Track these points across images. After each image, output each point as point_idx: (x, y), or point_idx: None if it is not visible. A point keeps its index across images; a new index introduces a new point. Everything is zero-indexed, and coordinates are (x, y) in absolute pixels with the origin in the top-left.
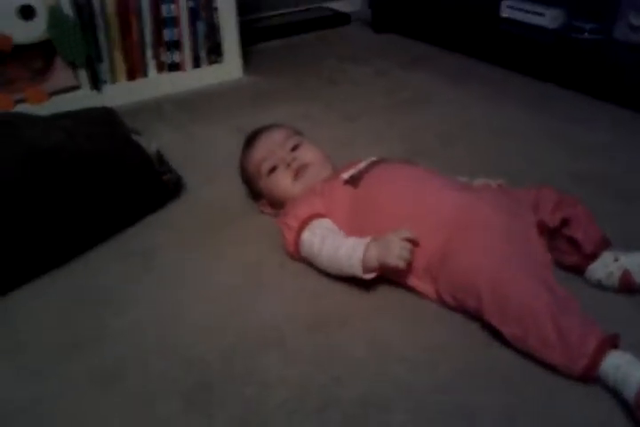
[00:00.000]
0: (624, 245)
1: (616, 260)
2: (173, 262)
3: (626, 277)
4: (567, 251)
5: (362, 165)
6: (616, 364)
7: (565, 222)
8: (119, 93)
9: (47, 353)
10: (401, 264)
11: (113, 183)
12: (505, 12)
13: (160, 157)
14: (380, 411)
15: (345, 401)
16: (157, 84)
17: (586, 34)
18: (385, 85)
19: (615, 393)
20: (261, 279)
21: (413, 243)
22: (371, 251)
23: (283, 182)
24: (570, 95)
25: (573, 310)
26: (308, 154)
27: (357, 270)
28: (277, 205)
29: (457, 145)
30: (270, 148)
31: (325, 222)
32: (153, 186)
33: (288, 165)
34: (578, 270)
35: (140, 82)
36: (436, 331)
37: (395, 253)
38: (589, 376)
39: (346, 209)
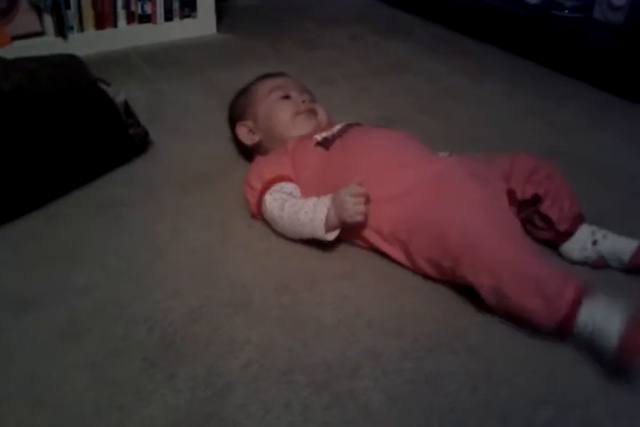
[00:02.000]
0: (591, 222)
1: (594, 243)
2: (139, 219)
3: (600, 261)
4: (541, 227)
5: (336, 127)
6: (592, 313)
7: (539, 199)
8: (86, 42)
9: (6, 307)
10: (358, 219)
11: (77, 129)
12: None
13: (127, 109)
14: (346, 376)
15: (310, 365)
16: (127, 36)
17: (566, 11)
18: (362, 51)
19: (587, 346)
20: (229, 240)
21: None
22: (330, 209)
23: (287, 113)
24: (546, 71)
25: (547, 261)
26: (320, 110)
27: (320, 231)
28: (261, 133)
29: (431, 114)
30: (290, 85)
31: (287, 186)
32: (119, 138)
33: (303, 101)
34: (550, 244)
35: (108, 32)
36: (406, 298)
37: (350, 211)
38: (569, 322)
39: (314, 170)
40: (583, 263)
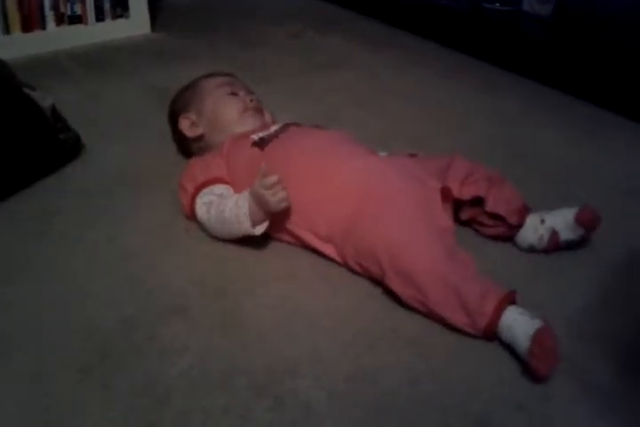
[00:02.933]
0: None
1: (542, 221)
2: (71, 227)
3: (554, 238)
4: (491, 224)
5: (274, 128)
6: (511, 321)
7: (481, 199)
8: (13, 45)
9: None
10: (283, 206)
11: (3, 139)
12: None
13: (55, 114)
14: (287, 377)
15: (251, 369)
16: (56, 38)
17: (497, 4)
18: (299, 48)
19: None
20: (166, 244)
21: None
22: (251, 202)
23: (235, 108)
24: (480, 64)
25: (471, 272)
26: (265, 110)
27: (246, 225)
28: (204, 127)
29: (370, 109)
30: (238, 84)
31: (218, 188)
32: (48, 144)
33: (250, 100)
34: (502, 239)
35: (36, 34)
36: (343, 295)
37: (272, 203)
38: (490, 333)
39: (249, 170)
40: (540, 248)
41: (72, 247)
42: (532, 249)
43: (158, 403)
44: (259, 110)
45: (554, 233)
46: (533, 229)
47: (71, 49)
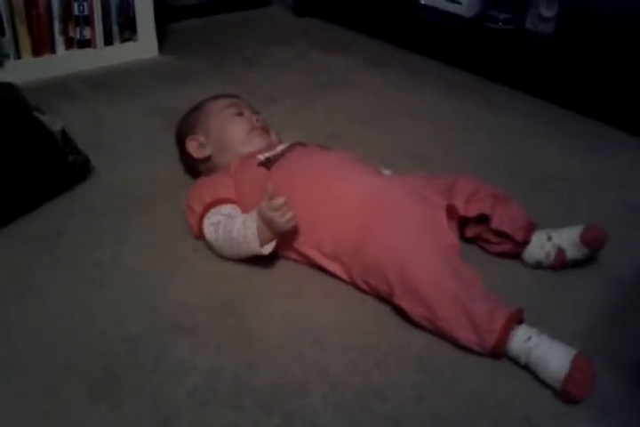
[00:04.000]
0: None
1: (549, 239)
2: (79, 247)
3: (560, 255)
4: (496, 241)
5: (280, 147)
6: (523, 339)
7: (486, 217)
8: (23, 70)
9: None
10: (291, 225)
11: (13, 159)
12: (423, 0)
13: (65, 137)
14: (295, 395)
15: (259, 387)
16: (66, 62)
17: (500, 24)
18: (305, 68)
19: (525, 367)
20: (173, 263)
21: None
22: (259, 221)
23: (241, 128)
24: (483, 82)
25: (478, 290)
26: (271, 130)
27: (254, 245)
28: (211, 148)
29: (375, 128)
30: (244, 105)
31: (225, 209)
32: (58, 167)
33: (256, 120)
34: (508, 256)
35: (46, 58)
36: (351, 313)
37: (280, 224)
38: (499, 352)
39: (255, 190)
40: (547, 265)
41: (78, 266)
42: (539, 266)
43: (165, 423)
44: (265, 130)
45: (560, 251)
46: (540, 246)
47: (80, 72)
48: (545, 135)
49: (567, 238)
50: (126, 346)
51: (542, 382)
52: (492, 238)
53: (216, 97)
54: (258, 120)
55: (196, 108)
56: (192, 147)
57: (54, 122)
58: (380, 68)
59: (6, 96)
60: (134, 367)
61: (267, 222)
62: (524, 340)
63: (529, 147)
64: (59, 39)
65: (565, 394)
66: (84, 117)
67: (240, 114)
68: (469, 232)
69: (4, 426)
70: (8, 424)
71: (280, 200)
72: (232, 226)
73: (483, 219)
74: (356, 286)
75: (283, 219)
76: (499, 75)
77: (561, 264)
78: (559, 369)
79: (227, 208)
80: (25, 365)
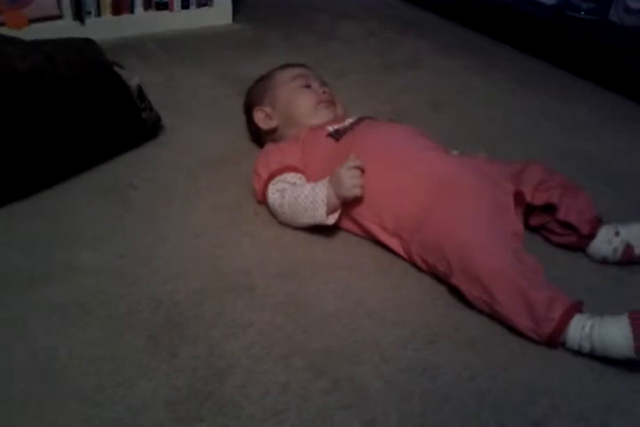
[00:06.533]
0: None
1: (617, 234)
2: (147, 202)
3: (628, 251)
4: (562, 233)
5: (348, 120)
6: (580, 328)
7: (553, 207)
8: (103, 28)
9: (12, 283)
10: (355, 192)
11: (90, 112)
12: None
13: (141, 93)
14: (345, 362)
15: (310, 351)
16: (143, 22)
17: (582, 13)
18: (376, 46)
19: (582, 353)
20: (235, 225)
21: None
22: (329, 188)
23: (309, 101)
24: (559, 73)
25: (540, 277)
26: (338, 102)
27: (321, 212)
28: (278, 119)
29: (444, 111)
30: (312, 76)
31: (291, 177)
32: (131, 121)
33: (323, 92)
34: (571, 248)
35: (125, 17)
36: (406, 289)
37: (346, 184)
38: (555, 341)
39: (323, 161)
40: (613, 260)
41: (145, 220)
42: (604, 261)
43: (219, 375)
44: (332, 103)
45: (628, 247)
46: (608, 242)
47: (155, 34)
48: (617, 129)
49: (636, 234)
50: (188, 299)
51: (619, 363)
52: (557, 229)
53: (284, 66)
54: (325, 92)
55: (265, 78)
56: (259, 118)
57: (132, 78)
58: (453, 52)
59: (88, 49)
60: (194, 319)
61: (335, 182)
62: (581, 328)
63: (601, 142)
64: (138, 0)
65: None
66: (157, 78)
67: (307, 86)
68: (534, 221)
69: (64, 366)
70: (70, 364)
71: (356, 161)
72: (300, 192)
73: (549, 208)
74: (414, 264)
75: (350, 180)
76: (576, 66)
77: (628, 260)
78: (624, 340)
79: (292, 176)
80: (90, 310)
